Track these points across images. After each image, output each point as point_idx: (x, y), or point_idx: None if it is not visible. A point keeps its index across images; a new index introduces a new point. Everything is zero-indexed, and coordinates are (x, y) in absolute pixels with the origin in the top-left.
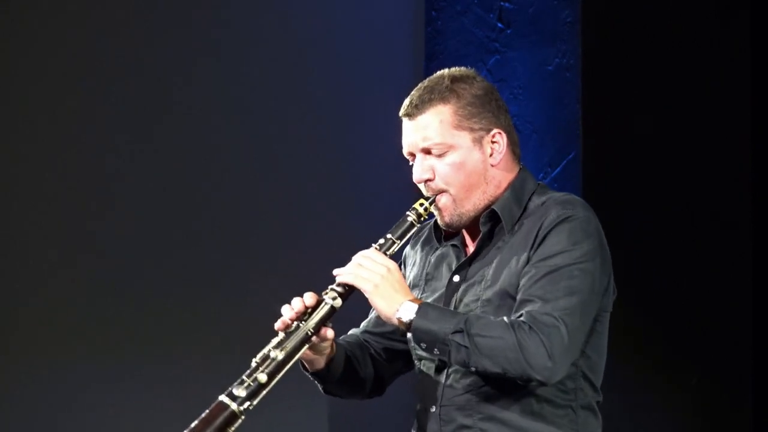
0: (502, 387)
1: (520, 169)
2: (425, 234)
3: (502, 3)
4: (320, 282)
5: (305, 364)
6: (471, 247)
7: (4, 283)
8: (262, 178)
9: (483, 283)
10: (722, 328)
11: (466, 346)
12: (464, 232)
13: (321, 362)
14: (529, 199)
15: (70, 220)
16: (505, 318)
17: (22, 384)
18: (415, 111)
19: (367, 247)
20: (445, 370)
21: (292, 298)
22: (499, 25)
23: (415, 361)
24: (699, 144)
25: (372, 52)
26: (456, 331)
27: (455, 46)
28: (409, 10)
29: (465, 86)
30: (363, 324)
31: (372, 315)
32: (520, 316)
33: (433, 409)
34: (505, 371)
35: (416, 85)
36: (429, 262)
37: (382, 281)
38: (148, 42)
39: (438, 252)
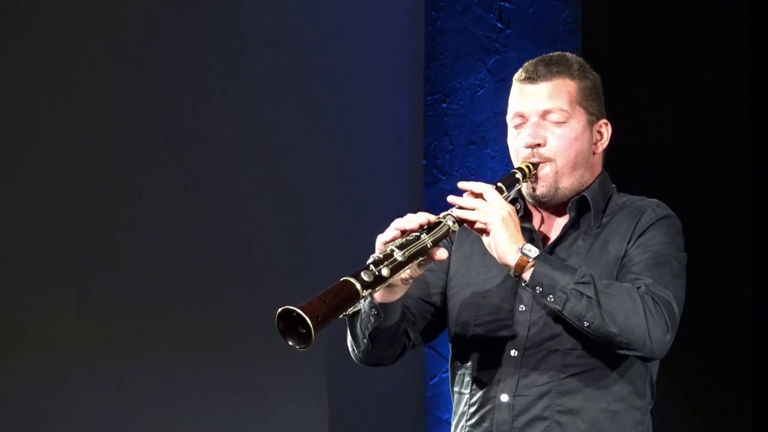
0: (584, 381)
1: (603, 167)
2: None
3: (502, 3)
4: (322, 283)
5: (383, 291)
6: (548, 233)
7: (9, 285)
8: (261, 179)
9: None
10: (722, 328)
11: (590, 297)
12: (541, 215)
13: (398, 293)
14: (610, 197)
15: (72, 222)
16: (627, 283)
17: (22, 385)
18: (541, 76)
19: (369, 247)
20: (521, 359)
21: (293, 302)
22: (499, 25)
23: (473, 345)
24: (699, 144)
25: (372, 52)
26: (581, 282)
27: (455, 46)
28: (409, 10)
29: (588, 71)
30: None
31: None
32: (638, 288)
33: (505, 398)
34: (621, 333)
35: (416, 85)
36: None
37: (509, 217)
38: (148, 42)
39: None
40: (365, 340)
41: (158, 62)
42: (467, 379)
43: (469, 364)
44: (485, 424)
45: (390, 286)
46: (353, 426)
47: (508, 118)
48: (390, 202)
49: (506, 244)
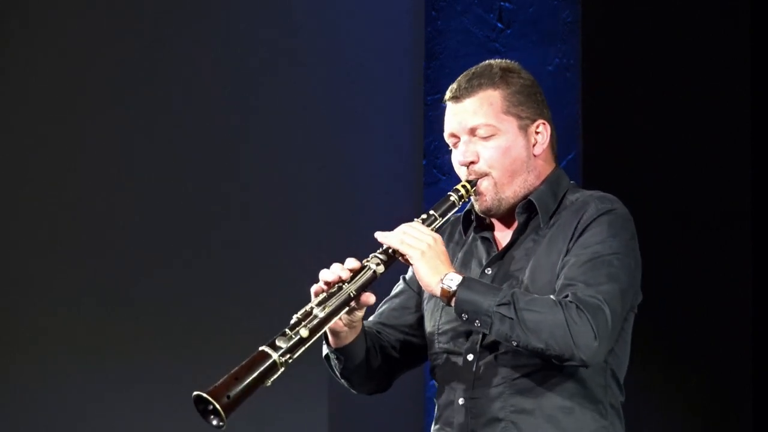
0: (537, 379)
1: (556, 166)
2: (447, 230)
3: (502, 3)
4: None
5: (332, 337)
6: (502, 240)
7: (8, 284)
8: (261, 179)
9: (520, 276)
10: (722, 328)
11: (511, 318)
12: (495, 223)
13: (349, 337)
14: (564, 195)
15: (74, 222)
16: (551, 296)
17: (22, 385)
18: (464, 93)
19: (369, 247)
20: (475, 362)
21: (294, 304)
22: (499, 25)
23: (439, 355)
24: (699, 144)
25: (372, 52)
26: (502, 304)
27: (455, 46)
28: (409, 10)
29: (514, 75)
30: (374, 317)
31: (384, 308)
32: (566, 296)
33: (461, 402)
34: (548, 347)
35: (417, 85)
36: (456, 259)
37: (429, 250)
38: (148, 42)
39: (465, 248)
40: (342, 380)
41: (158, 62)
42: (437, 386)
43: (437, 372)
44: (448, 429)
45: (335, 333)
46: (353, 426)
47: (445, 138)
48: (390, 202)
49: (428, 276)
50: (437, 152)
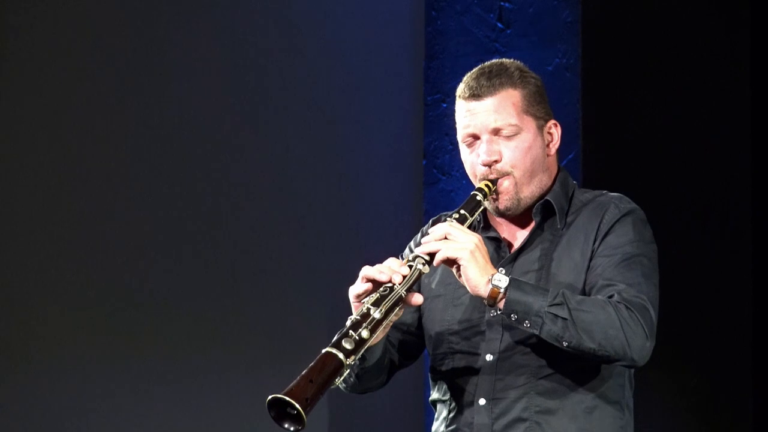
0: (560, 379)
1: (560, 166)
2: None
3: (502, 3)
4: (324, 284)
5: None
6: (511, 240)
7: (9, 285)
8: (260, 179)
9: (538, 277)
10: (722, 328)
11: (564, 318)
12: (505, 224)
13: (379, 336)
14: (572, 195)
15: (77, 222)
16: (599, 296)
17: (23, 385)
18: (485, 92)
19: (369, 247)
20: (496, 363)
21: (295, 302)
22: (499, 25)
23: (449, 355)
24: (699, 144)
25: (372, 52)
26: (554, 304)
27: (455, 46)
28: (409, 10)
29: (528, 75)
30: None
31: None
32: (611, 297)
33: (483, 402)
34: (601, 348)
35: (417, 85)
36: None
37: (477, 250)
38: (148, 42)
39: None
40: (352, 379)
41: (159, 63)
42: (446, 386)
43: (447, 372)
44: (466, 429)
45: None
46: (353, 426)
47: (459, 137)
48: (390, 202)
49: (477, 277)
50: (437, 152)
